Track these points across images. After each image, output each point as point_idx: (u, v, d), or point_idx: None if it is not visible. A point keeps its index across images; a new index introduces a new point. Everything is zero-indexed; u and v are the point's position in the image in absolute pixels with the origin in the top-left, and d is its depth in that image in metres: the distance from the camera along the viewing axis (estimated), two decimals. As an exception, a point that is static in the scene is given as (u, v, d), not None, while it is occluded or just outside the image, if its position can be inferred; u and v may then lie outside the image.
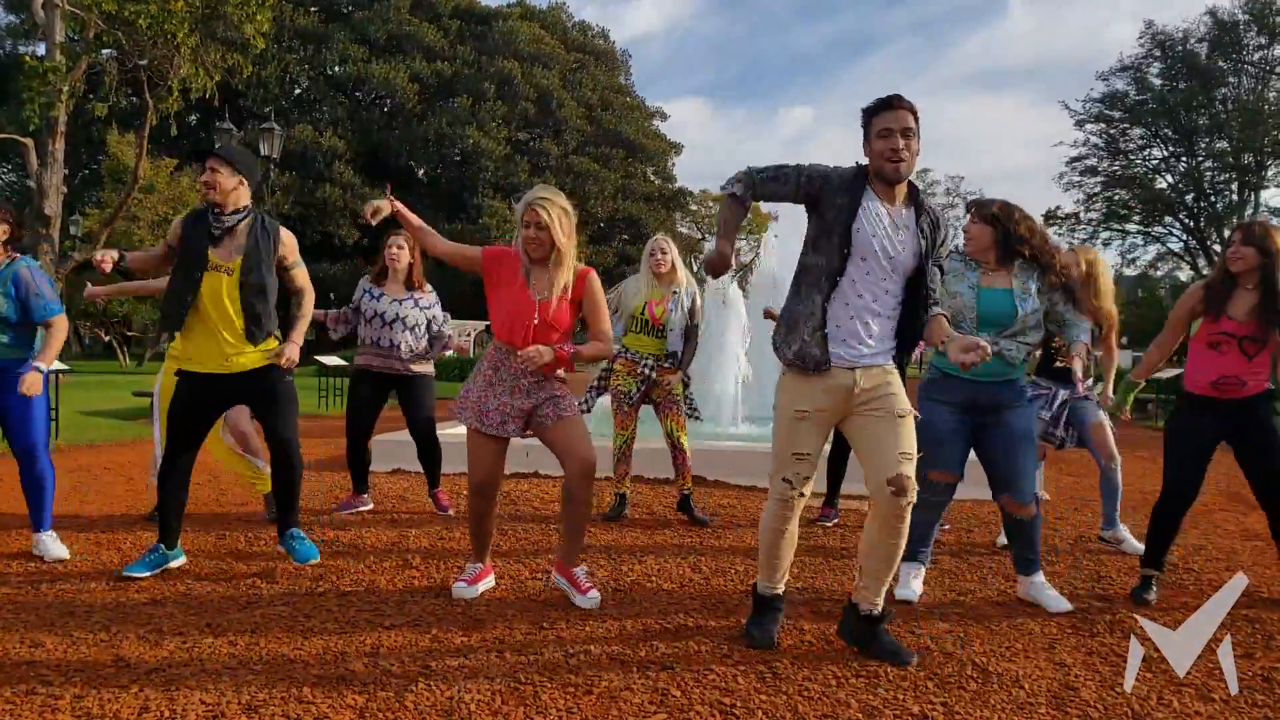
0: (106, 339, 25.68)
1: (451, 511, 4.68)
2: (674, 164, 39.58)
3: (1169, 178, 32.03)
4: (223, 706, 2.22)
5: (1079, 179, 32.97)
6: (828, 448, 3.92)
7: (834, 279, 2.59)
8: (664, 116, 40.02)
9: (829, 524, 4.61)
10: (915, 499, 2.59)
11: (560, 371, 3.19)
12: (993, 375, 3.15)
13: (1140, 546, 4.05)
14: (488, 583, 3.34)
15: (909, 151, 2.53)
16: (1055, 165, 45.63)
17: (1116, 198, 32.62)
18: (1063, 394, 4.09)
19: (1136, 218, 32.80)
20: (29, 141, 13.86)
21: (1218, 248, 30.43)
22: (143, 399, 10.60)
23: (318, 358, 12.24)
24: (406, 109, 31.67)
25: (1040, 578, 3.26)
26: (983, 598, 3.36)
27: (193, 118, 28.62)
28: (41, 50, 14.14)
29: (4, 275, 3.54)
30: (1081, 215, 33.36)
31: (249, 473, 4.35)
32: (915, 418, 2.67)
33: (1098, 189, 32.87)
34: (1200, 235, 31.19)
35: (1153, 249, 33.78)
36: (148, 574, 3.37)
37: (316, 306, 3.84)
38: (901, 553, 2.66)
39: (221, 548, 3.87)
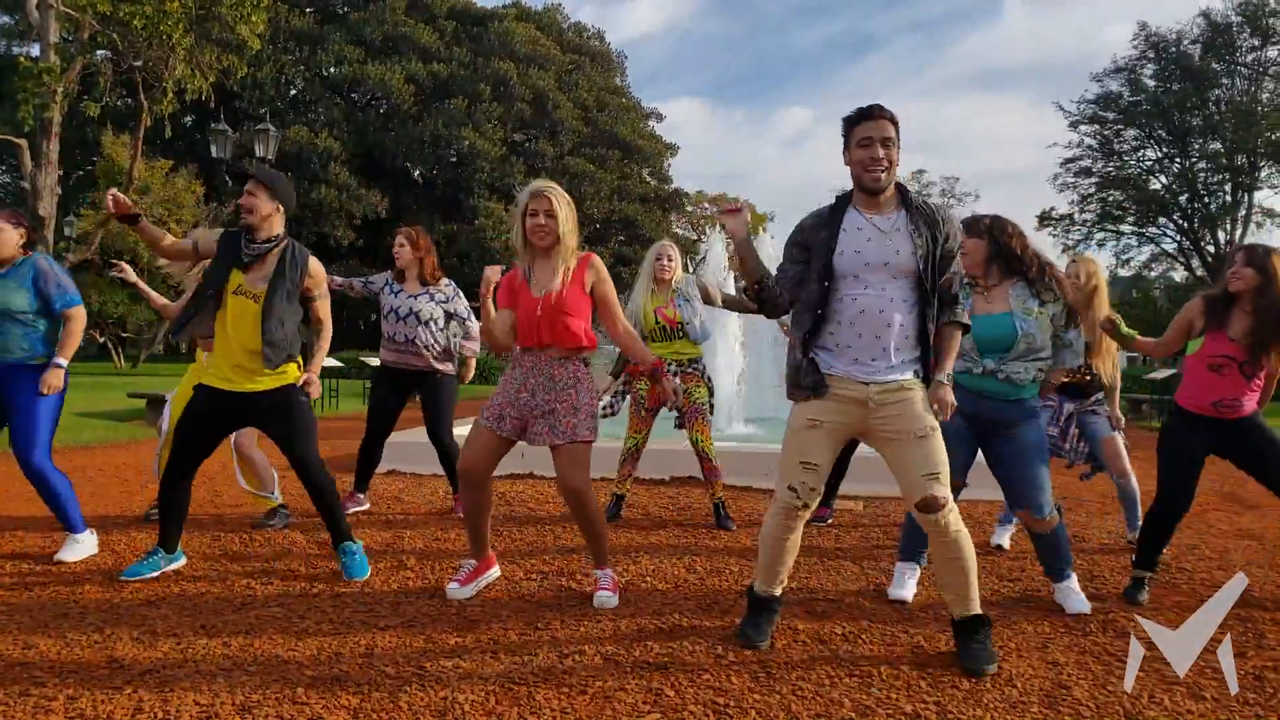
0: (101, 340, 25.59)
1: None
2: (669, 165, 39.62)
3: (1163, 179, 32.11)
4: (217, 707, 2.22)
5: (1073, 180, 33.04)
6: None
7: (815, 310, 2.62)
8: (659, 117, 40.09)
9: (824, 524, 4.62)
10: (951, 508, 2.56)
11: (585, 356, 3.17)
12: (998, 394, 3.12)
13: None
14: (488, 577, 3.33)
15: (889, 160, 2.55)
16: (1053, 166, 45.74)
17: (1111, 199, 32.68)
18: (1069, 407, 4.08)
19: (1131, 219, 32.87)
20: (23, 142, 13.82)
21: (1211, 249, 30.55)
22: (137, 400, 10.59)
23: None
24: (402, 110, 31.64)
25: (1068, 583, 3.22)
26: (976, 597, 3.36)
27: (188, 119, 28.57)
28: (36, 51, 14.09)
29: (23, 270, 3.59)
30: (1076, 216, 33.44)
31: (258, 497, 4.42)
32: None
33: (1092, 190, 32.94)
34: (1194, 236, 31.27)
35: (1147, 250, 33.87)
36: (148, 576, 3.37)
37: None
38: (967, 560, 2.60)
39: (216, 549, 3.87)
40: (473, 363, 4.96)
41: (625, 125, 36.36)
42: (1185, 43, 30.22)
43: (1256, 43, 29.29)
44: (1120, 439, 4.17)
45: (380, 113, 33.29)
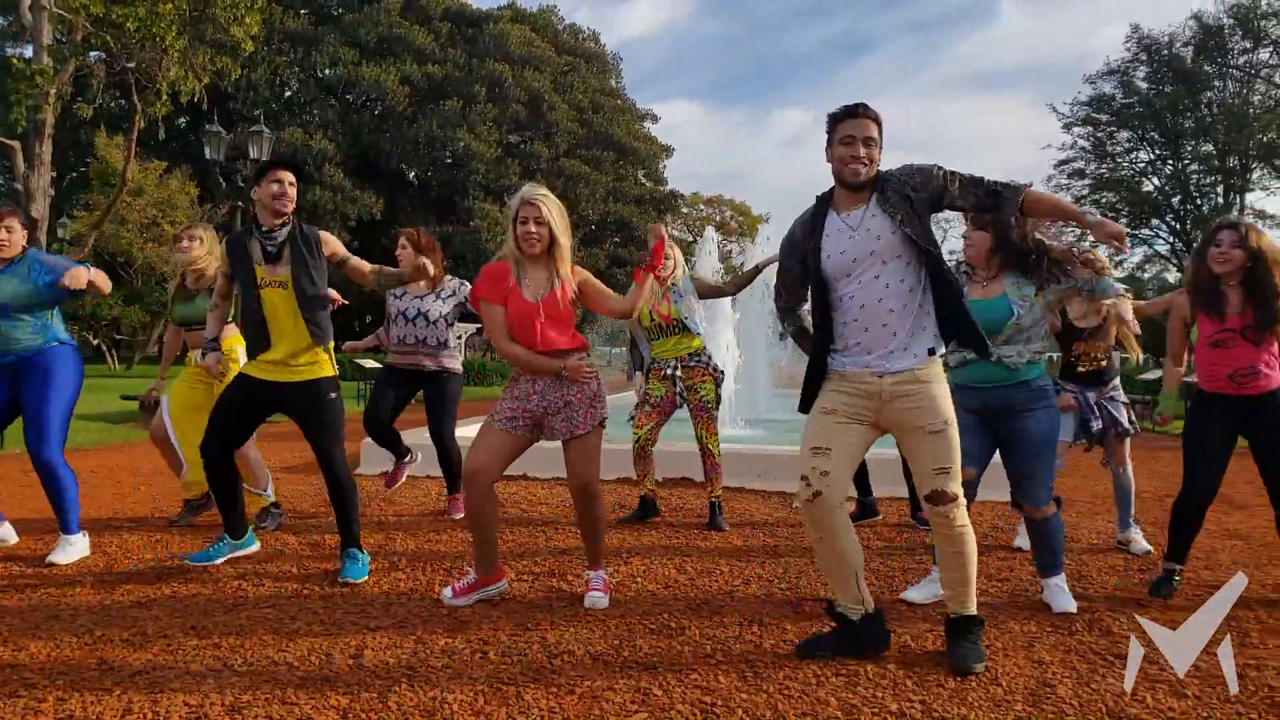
0: (95, 342, 25.51)
1: (459, 516, 4.68)
2: (665, 167, 39.65)
3: (1156, 180, 32.26)
4: (206, 708, 2.23)
5: (1067, 181, 33.17)
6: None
7: (820, 313, 2.67)
8: (655, 119, 40.15)
9: (876, 518, 4.67)
10: (960, 504, 2.59)
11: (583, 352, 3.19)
12: (996, 379, 3.17)
13: (1148, 547, 4.14)
14: (489, 590, 3.18)
15: (869, 158, 2.58)
16: (1047, 167, 45.96)
17: (1104, 200, 32.80)
18: (1090, 395, 4.18)
19: (1124, 220, 32.98)
20: (16, 144, 13.78)
21: (1204, 250, 30.63)
22: (131, 403, 10.57)
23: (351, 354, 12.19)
24: (397, 112, 31.61)
25: (1057, 580, 3.25)
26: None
27: (181, 120, 28.48)
28: (29, 52, 14.04)
29: (26, 264, 3.65)
30: (1070, 217, 33.55)
31: (250, 494, 4.42)
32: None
33: (1085, 191, 33.07)
34: (1187, 237, 31.40)
35: (1140, 251, 33.99)
36: (216, 562, 3.53)
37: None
38: (968, 557, 2.62)
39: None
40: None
41: (620, 127, 36.37)
42: (1177, 45, 30.37)
43: (1248, 45, 29.45)
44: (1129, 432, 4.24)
45: (375, 114, 33.25)
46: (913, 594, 3.32)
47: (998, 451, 3.31)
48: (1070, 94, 50.04)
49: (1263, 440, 3.33)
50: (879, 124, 2.59)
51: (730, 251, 41.01)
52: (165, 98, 13.71)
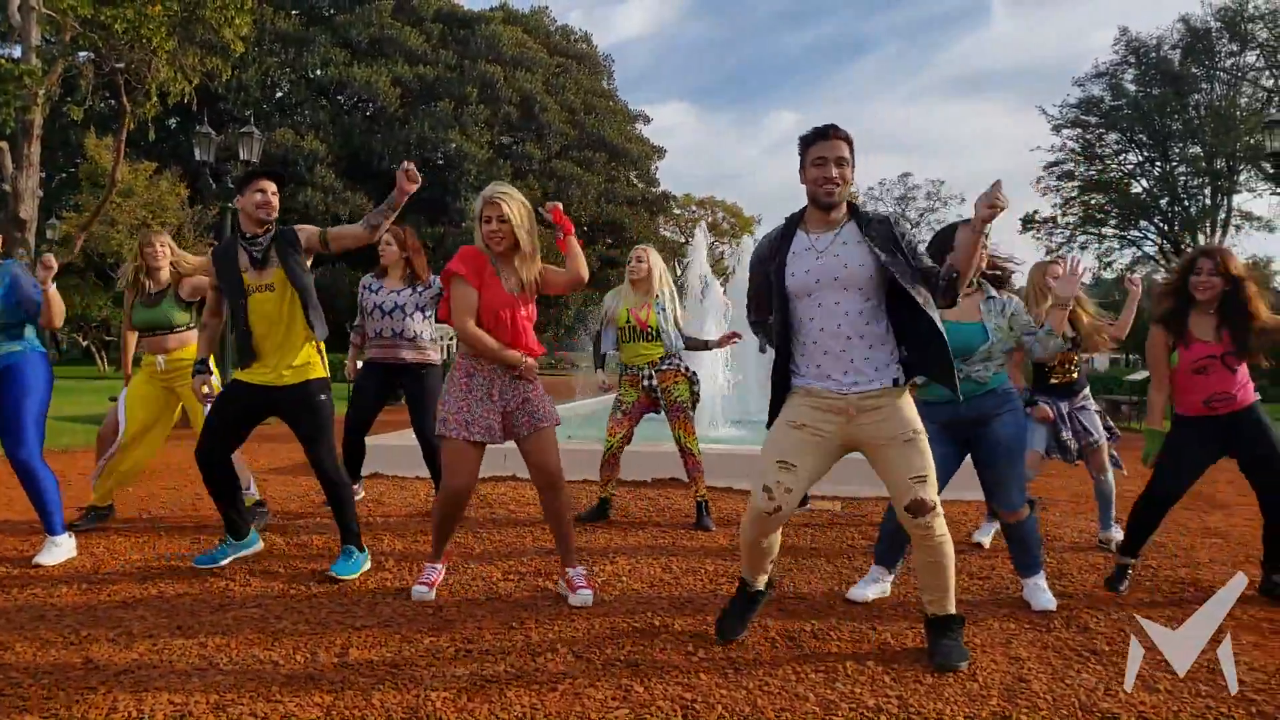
0: (84, 344, 25.42)
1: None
2: (657, 168, 39.75)
3: (1144, 182, 32.48)
4: (190, 706, 2.25)
5: (1056, 183, 33.39)
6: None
7: (781, 333, 2.70)
8: (646, 120, 40.25)
9: (803, 509, 4.69)
10: (938, 513, 2.60)
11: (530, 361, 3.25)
12: (966, 392, 3.21)
13: None
14: (439, 570, 3.41)
15: (842, 179, 2.60)
16: (1037, 169, 46.20)
17: (1093, 202, 33.03)
18: (1063, 406, 4.23)
19: (1113, 222, 33.22)
20: (4, 145, 13.72)
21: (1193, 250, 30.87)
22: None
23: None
24: (389, 113, 31.61)
25: (1036, 580, 3.29)
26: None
27: (171, 121, 28.40)
28: (17, 53, 13.99)
29: (1, 275, 3.63)
30: (1059, 219, 33.78)
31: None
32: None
33: (1074, 193, 33.29)
34: (1175, 239, 31.64)
35: (1129, 253, 34.23)
36: (221, 564, 3.57)
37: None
38: (947, 563, 2.65)
39: (196, 551, 3.88)
40: None
41: (612, 128, 36.45)
42: (1165, 48, 30.62)
43: (1235, 48, 29.71)
44: (1104, 439, 4.30)
45: (366, 115, 33.22)
46: (855, 592, 3.33)
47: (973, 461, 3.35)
48: (1059, 97, 50.23)
49: (1245, 454, 3.41)
50: (850, 144, 2.62)
51: (722, 253, 41.13)
52: (154, 99, 13.67)
